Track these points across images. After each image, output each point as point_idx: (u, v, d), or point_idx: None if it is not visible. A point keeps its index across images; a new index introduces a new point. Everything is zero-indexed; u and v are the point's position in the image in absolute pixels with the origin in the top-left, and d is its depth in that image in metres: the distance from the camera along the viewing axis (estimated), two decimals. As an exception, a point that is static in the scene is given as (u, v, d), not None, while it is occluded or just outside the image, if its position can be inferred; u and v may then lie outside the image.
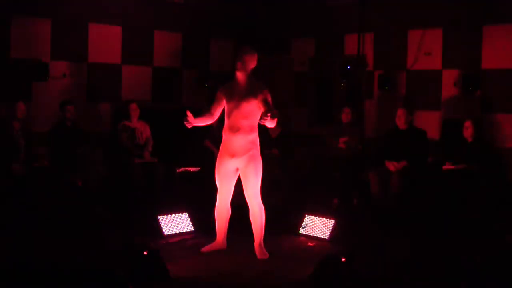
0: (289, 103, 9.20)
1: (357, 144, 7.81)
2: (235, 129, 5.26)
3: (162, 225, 5.89)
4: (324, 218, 5.99)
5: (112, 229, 6.15)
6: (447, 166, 6.95)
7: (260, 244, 5.37)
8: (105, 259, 4.99)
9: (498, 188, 6.83)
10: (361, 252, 5.18)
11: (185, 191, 7.66)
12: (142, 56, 9.06)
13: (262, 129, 5.44)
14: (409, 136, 7.15)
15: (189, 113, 5.22)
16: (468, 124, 6.98)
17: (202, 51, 9.65)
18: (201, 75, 9.37)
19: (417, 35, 8.46)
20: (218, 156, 5.43)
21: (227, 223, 5.53)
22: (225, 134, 5.36)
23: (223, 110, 5.40)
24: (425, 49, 8.38)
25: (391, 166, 7.03)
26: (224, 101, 5.36)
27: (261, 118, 5.11)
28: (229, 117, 5.31)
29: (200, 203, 6.61)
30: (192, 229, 6.10)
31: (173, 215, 6.02)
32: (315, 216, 6.07)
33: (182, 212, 6.11)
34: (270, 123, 5.11)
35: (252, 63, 5.30)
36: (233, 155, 5.29)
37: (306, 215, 6.13)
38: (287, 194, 7.59)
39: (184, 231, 6.04)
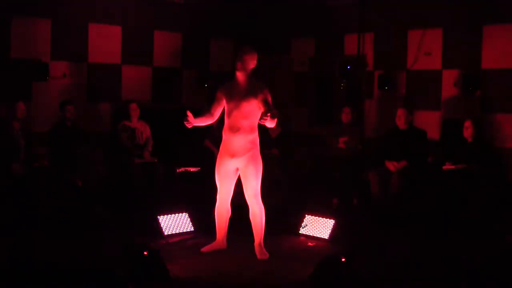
0: (289, 103, 9.19)
1: (357, 144, 7.81)
2: (235, 129, 5.26)
3: (162, 225, 5.89)
4: (324, 218, 5.99)
5: (112, 229, 6.15)
6: (447, 166, 6.95)
7: (260, 244, 5.37)
8: (105, 259, 4.99)
9: (498, 188, 6.82)
10: (361, 252, 5.18)
11: (185, 191, 7.66)
12: (142, 56, 9.06)
13: (262, 129, 5.44)
14: (409, 136, 7.15)
15: (189, 113, 5.22)
16: (468, 124, 6.98)
17: (202, 51, 9.65)
18: (201, 75, 9.37)
19: (417, 35, 8.46)
20: (218, 156, 5.43)
21: (227, 223, 5.53)
22: (225, 134, 5.36)
23: (223, 110, 5.41)
24: (425, 49, 8.38)
25: (391, 166, 7.03)
26: (224, 101, 5.36)
27: (261, 118, 5.11)
28: (229, 117, 5.31)
29: (200, 203, 6.60)
30: (192, 229, 6.10)
31: (173, 215, 6.02)
32: (315, 216, 6.07)
33: (182, 212, 6.11)
34: (270, 123, 5.11)
35: (252, 63, 5.30)
36: (233, 155, 5.29)
37: (306, 215, 6.13)
38: (287, 194, 7.58)
39: (184, 231, 6.04)
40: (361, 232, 6.25)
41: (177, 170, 7.89)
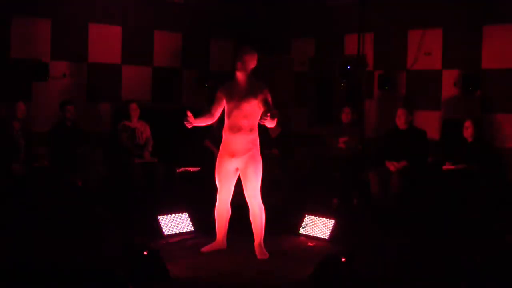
0: (289, 103, 9.19)
1: (357, 144, 7.81)
2: (235, 129, 5.26)
3: (162, 225, 5.89)
4: (324, 218, 5.99)
5: (112, 229, 6.15)
6: (447, 166, 6.95)
7: (260, 244, 5.37)
8: (105, 259, 4.99)
9: (498, 188, 6.82)
10: (361, 252, 5.17)
11: (185, 191, 7.66)
12: (142, 56, 9.06)
13: (262, 129, 5.44)
14: (409, 136, 7.15)
15: (189, 113, 5.22)
16: (468, 124, 6.98)
17: (202, 51, 9.65)
18: (201, 75, 9.37)
19: (417, 35, 8.46)
20: (218, 156, 5.43)
21: (227, 223, 5.53)
22: (225, 134, 5.36)
23: (223, 110, 5.41)
24: (425, 49, 8.38)
25: (391, 166, 7.02)
26: (224, 101, 5.36)
27: (261, 118, 5.11)
28: (229, 117, 5.31)
29: (200, 203, 6.60)
30: (192, 229, 6.10)
31: (173, 215, 6.02)
32: (315, 216, 6.07)
33: (182, 212, 6.11)
34: (270, 123, 5.11)
35: (252, 63, 5.30)
36: (233, 155, 5.29)
37: (306, 215, 6.13)
38: (287, 194, 7.58)
39: (184, 231, 6.04)
40: (361, 232, 6.25)
41: (177, 170, 7.89)
